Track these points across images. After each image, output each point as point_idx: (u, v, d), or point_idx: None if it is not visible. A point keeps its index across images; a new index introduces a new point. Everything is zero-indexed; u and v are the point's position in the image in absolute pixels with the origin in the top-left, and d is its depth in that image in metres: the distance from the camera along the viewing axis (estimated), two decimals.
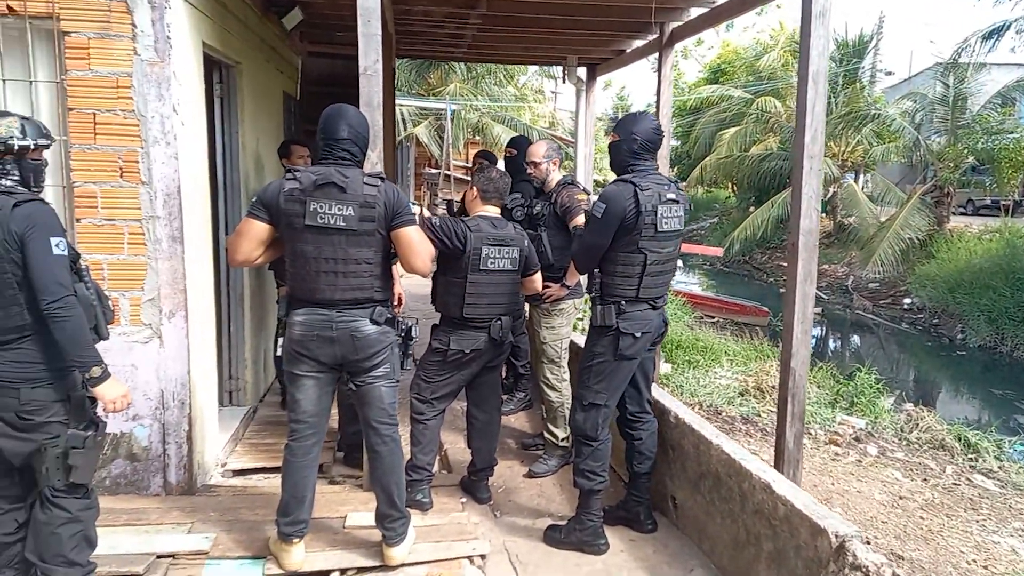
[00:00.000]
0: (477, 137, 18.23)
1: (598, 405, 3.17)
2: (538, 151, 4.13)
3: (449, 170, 17.22)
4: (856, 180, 20.56)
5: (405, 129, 16.87)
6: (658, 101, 5.61)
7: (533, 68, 23.09)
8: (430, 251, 2.90)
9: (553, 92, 27.75)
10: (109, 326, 3.35)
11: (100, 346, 3.30)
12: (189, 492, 3.55)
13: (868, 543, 2.32)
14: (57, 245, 2.24)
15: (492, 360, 3.56)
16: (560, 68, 7.75)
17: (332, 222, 2.73)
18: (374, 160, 3.47)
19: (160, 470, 3.50)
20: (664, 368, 9.04)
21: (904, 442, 6.42)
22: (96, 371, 2.31)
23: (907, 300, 15.59)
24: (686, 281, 19.25)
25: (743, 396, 8.27)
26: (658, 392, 3.67)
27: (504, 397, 5.11)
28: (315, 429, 2.92)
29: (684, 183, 27.65)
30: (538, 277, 3.64)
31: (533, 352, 4.27)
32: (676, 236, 3.15)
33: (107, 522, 3.18)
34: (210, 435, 3.86)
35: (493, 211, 3.51)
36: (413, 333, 3.04)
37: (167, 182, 3.36)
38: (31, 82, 3.22)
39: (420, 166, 18.78)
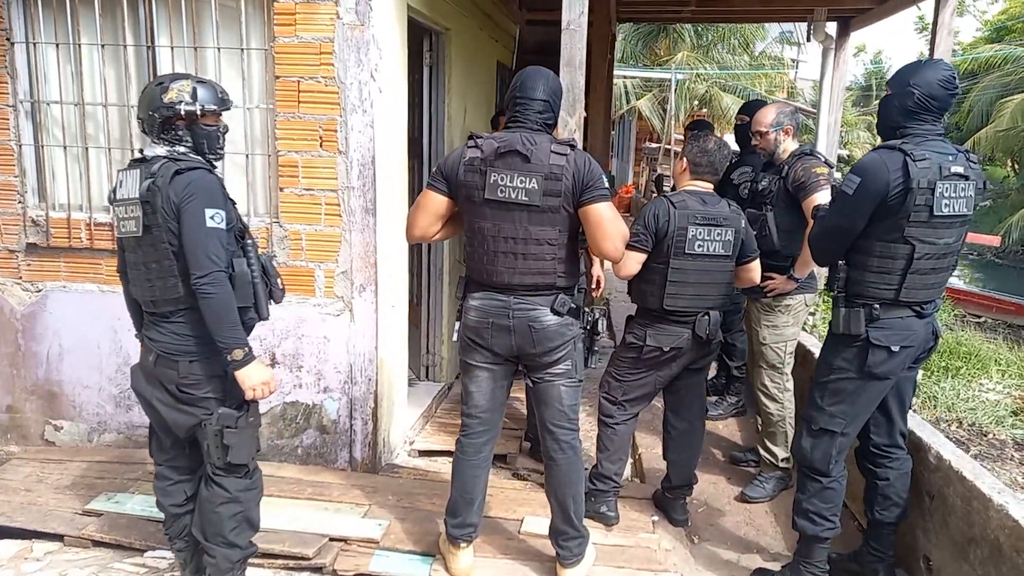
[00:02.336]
0: (704, 109, 17.08)
1: (832, 432, 2.53)
2: (765, 117, 3.45)
3: (670, 144, 16.34)
4: None
5: (628, 102, 16.26)
6: (932, 56, 4.56)
7: (772, 33, 21.16)
8: (623, 232, 2.45)
9: (794, 60, 25.39)
10: (306, 297, 3.39)
11: (295, 315, 3.36)
12: (372, 470, 3.47)
13: None
14: (212, 217, 2.12)
15: (696, 361, 3.04)
16: (805, 27, 6.75)
17: (513, 196, 2.39)
18: (572, 127, 3.08)
19: (347, 445, 3.46)
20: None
21: None
22: (238, 354, 2.17)
23: None
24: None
25: (1017, 416, 6.77)
26: (915, 421, 2.90)
27: (713, 399, 4.54)
28: (488, 425, 2.63)
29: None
30: (756, 266, 3.03)
31: (750, 354, 3.65)
32: (961, 223, 2.39)
33: (293, 493, 3.19)
34: (398, 413, 3.77)
35: (705, 187, 2.96)
36: (600, 328, 2.62)
37: (362, 151, 3.24)
38: (242, 50, 3.25)
39: (641, 141, 18.05)
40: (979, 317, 12.09)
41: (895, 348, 2.41)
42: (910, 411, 2.79)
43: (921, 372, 8.43)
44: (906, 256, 2.34)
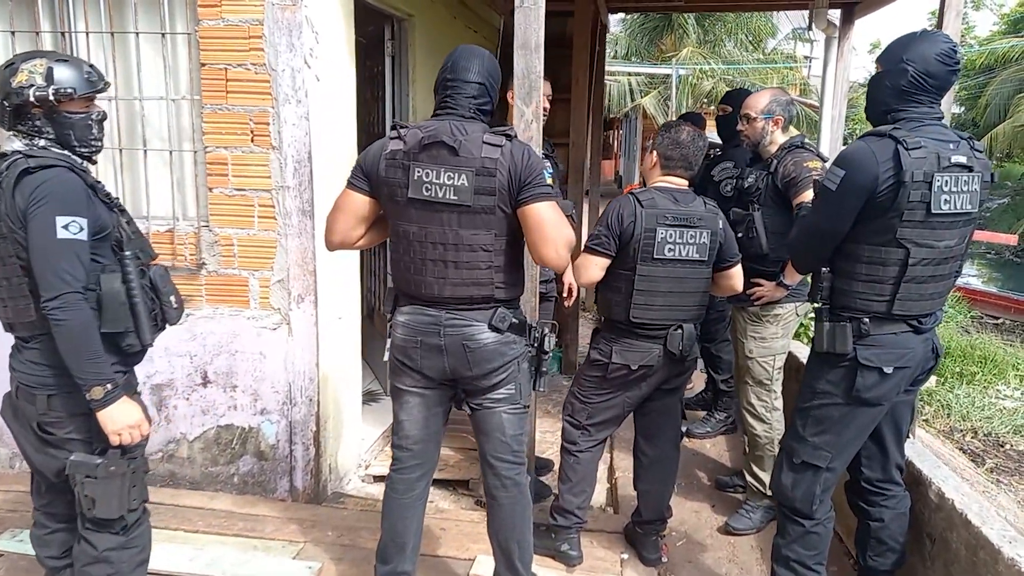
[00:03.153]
0: (712, 107, 16.65)
1: (816, 467, 2.17)
2: (757, 102, 3.09)
3: None
4: None
5: (633, 100, 15.86)
6: None
7: (784, 30, 20.66)
8: (567, 237, 2.10)
9: (807, 57, 24.87)
10: (240, 309, 3.07)
11: (228, 329, 3.03)
12: (315, 500, 3.14)
13: None
14: (66, 227, 1.75)
15: (669, 380, 2.69)
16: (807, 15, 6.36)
17: (441, 195, 2.05)
18: (529, 117, 2.74)
19: (287, 472, 3.13)
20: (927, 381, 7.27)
21: None
22: (97, 391, 1.80)
23: None
24: (963, 272, 15.96)
25: None
26: (915, 450, 2.53)
27: (702, 415, 4.19)
28: (421, 459, 2.29)
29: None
30: (737, 272, 2.68)
31: (736, 368, 3.29)
32: (964, 222, 2.03)
33: (221, 528, 2.87)
34: (348, 435, 3.44)
35: (678, 184, 2.61)
36: (548, 345, 2.27)
37: (297, 147, 2.92)
38: (163, 35, 2.93)
39: (647, 139, 17.65)
40: (997, 319, 11.63)
41: (888, 369, 2.05)
42: (909, 438, 2.42)
43: (934, 378, 8.02)
44: (899, 262, 1.99)
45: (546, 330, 2.30)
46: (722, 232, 2.60)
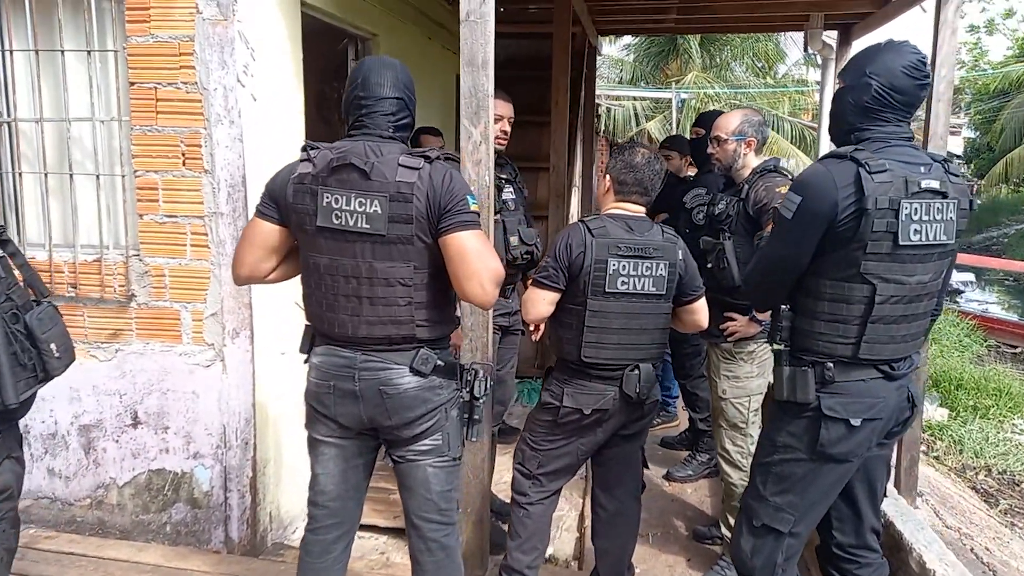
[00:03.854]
0: None
1: (777, 532, 1.91)
2: (727, 123, 2.87)
3: None
4: None
5: (638, 124, 15.72)
6: (934, 58, 3.94)
7: (794, 55, 20.50)
8: (494, 270, 1.88)
9: (818, 83, 24.69)
10: (172, 344, 2.86)
11: (159, 366, 2.82)
12: (253, 552, 2.89)
13: None
14: None
15: (627, 426, 2.44)
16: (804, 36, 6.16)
17: (352, 223, 1.84)
18: (476, 139, 2.54)
19: (222, 521, 2.89)
20: (937, 414, 6.95)
21: None
22: None
23: None
24: (980, 299, 15.40)
25: None
26: (896, 509, 2.26)
27: (684, 455, 3.92)
28: (339, 517, 2.04)
29: (981, 180, 22.98)
30: (700, 307, 2.43)
31: (712, 409, 3.03)
32: (940, 254, 1.78)
33: None
34: (292, 481, 3.18)
35: (633, 211, 2.39)
36: (479, 390, 2.03)
37: (231, 171, 2.73)
38: (88, 52, 2.76)
39: None
40: (1015, 347, 11.20)
41: (855, 421, 1.80)
42: (886, 497, 2.15)
43: (946, 412, 7.59)
44: (865, 299, 1.74)
45: (481, 372, 2.07)
46: (682, 263, 2.37)
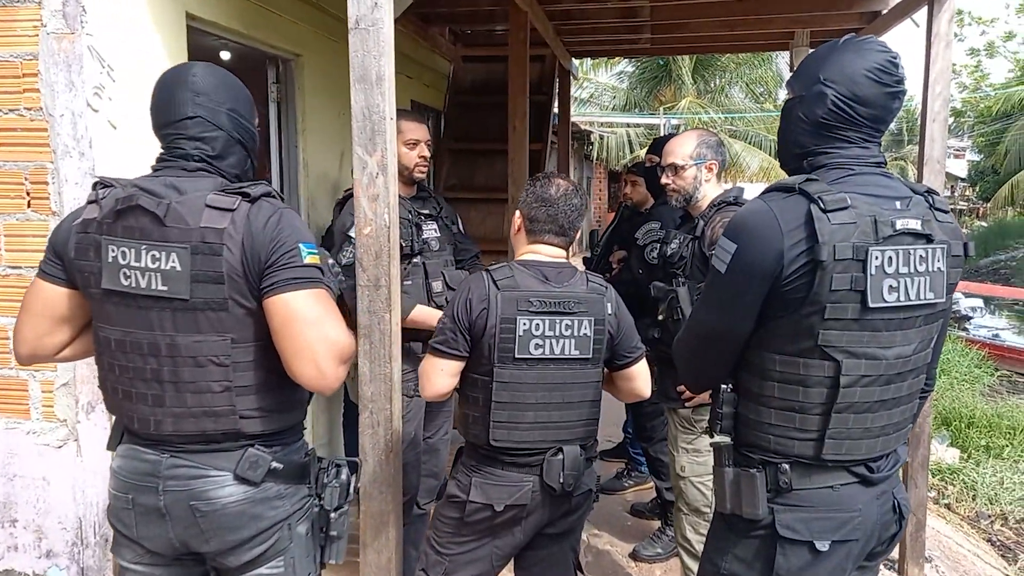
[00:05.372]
0: None
1: None
2: (681, 147, 2.42)
3: None
4: None
5: (631, 151, 15.37)
6: (927, 76, 3.51)
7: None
8: (334, 342, 1.40)
9: None
10: (20, 420, 2.41)
11: (5, 447, 2.37)
12: None
13: None
14: None
15: (553, 523, 1.94)
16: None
17: (144, 283, 1.38)
18: (373, 169, 2.09)
19: None
20: (948, 455, 6.40)
21: None
22: None
23: None
24: (989, 326, 14.67)
25: None
26: None
27: (655, 530, 3.40)
28: None
29: (987, 203, 22.50)
30: (639, 371, 1.96)
31: (672, 487, 2.53)
32: (927, 317, 1.30)
33: None
34: None
35: (550, 255, 1.92)
36: (340, 498, 1.55)
37: None
38: None
39: None
40: None
41: (822, 545, 1.30)
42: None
43: (957, 453, 7.00)
44: (827, 381, 1.26)
45: (343, 471, 1.59)
46: (612, 319, 1.89)
